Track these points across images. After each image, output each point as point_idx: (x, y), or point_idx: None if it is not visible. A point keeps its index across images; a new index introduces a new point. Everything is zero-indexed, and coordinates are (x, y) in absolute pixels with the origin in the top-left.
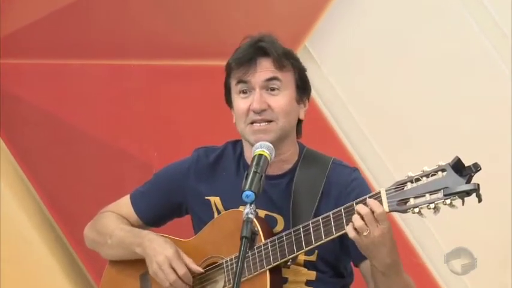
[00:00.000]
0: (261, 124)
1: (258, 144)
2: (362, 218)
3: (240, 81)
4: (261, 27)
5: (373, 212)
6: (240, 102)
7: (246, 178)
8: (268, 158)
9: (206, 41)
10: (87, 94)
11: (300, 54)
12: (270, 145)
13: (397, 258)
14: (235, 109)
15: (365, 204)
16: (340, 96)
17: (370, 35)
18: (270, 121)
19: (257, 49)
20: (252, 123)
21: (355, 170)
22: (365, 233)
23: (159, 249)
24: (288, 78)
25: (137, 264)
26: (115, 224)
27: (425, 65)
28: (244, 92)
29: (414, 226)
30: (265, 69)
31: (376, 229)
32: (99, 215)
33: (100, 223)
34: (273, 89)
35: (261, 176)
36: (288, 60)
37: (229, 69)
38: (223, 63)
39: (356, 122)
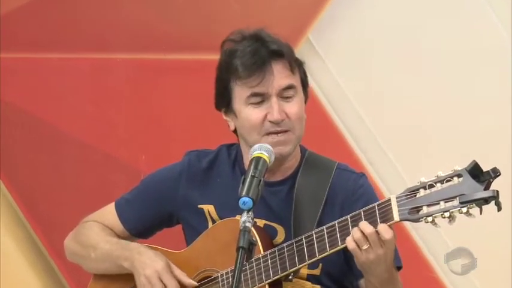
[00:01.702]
0: (279, 135)
1: (256, 146)
2: (363, 234)
3: (254, 94)
4: (259, 18)
5: (378, 234)
6: (252, 112)
7: (243, 183)
8: (268, 161)
9: (199, 33)
10: (67, 91)
11: (303, 47)
12: (270, 147)
13: (392, 269)
14: (245, 119)
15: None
16: (346, 93)
17: (378, 27)
18: (286, 131)
19: (268, 52)
20: (267, 134)
21: (362, 175)
22: (365, 247)
23: (149, 262)
24: (298, 81)
25: (124, 278)
26: (99, 236)
27: (437, 59)
28: (258, 103)
29: (428, 237)
30: (280, 75)
31: (380, 249)
32: (82, 224)
33: (83, 234)
34: (288, 96)
35: (260, 180)
36: (294, 60)
37: (233, 74)
38: (219, 57)
39: (363, 121)
